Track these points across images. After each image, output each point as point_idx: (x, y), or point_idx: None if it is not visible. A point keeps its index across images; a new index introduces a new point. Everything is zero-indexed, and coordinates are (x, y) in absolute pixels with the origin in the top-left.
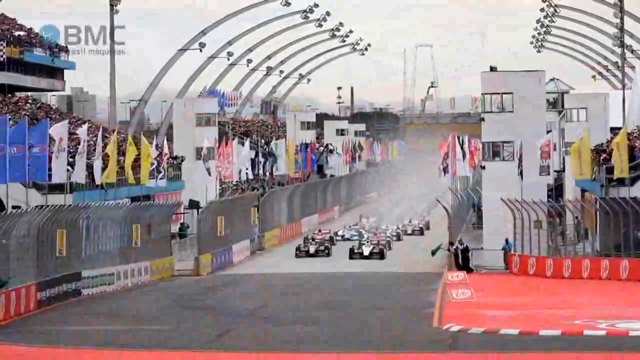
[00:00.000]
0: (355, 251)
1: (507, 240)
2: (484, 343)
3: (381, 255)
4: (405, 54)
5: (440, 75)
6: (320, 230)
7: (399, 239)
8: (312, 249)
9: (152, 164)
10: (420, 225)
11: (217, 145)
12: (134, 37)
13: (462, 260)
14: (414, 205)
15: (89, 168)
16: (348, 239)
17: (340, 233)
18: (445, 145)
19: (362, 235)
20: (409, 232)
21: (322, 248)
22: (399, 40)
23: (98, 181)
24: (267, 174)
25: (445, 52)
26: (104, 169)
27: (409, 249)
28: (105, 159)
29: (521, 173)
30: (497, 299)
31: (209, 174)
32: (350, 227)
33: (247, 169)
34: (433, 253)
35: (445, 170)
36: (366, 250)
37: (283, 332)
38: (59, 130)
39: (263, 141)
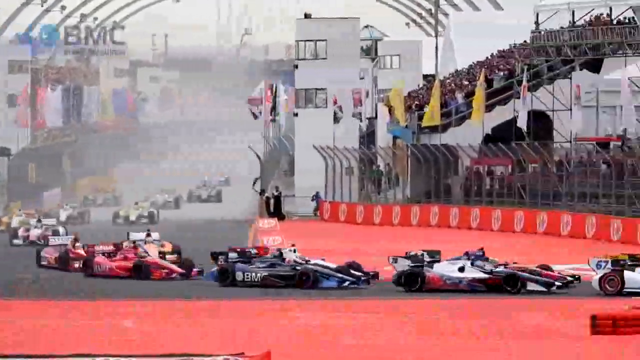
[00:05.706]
0: None
1: (317, 194)
2: None
3: None
4: (219, 1)
5: (254, 22)
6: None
7: None
8: None
9: None
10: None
11: (29, 92)
12: None
13: (274, 207)
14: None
15: None
16: None
17: None
18: (258, 92)
19: None
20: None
21: None
22: None
23: None
24: (81, 121)
25: None
26: None
27: None
28: None
29: (334, 120)
30: (307, 245)
31: (15, 122)
32: None
33: (60, 116)
34: (254, 184)
35: (256, 116)
36: None
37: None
38: None
39: (76, 88)
